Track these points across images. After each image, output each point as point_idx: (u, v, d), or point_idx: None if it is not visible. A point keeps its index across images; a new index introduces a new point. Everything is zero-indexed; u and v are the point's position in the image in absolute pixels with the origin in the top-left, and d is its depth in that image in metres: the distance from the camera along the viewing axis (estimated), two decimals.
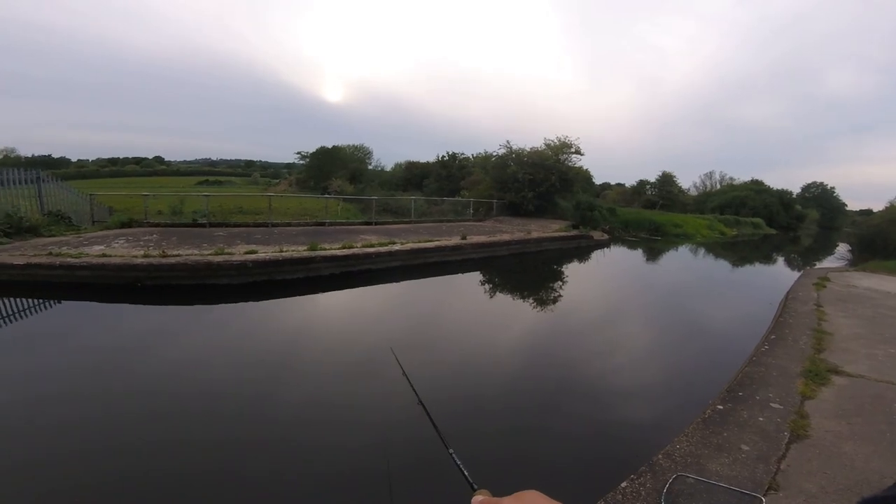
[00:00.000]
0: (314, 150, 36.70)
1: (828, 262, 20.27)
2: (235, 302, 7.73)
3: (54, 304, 6.97)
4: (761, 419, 3.52)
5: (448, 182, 32.48)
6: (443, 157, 35.73)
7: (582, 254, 16.99)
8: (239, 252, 9.10)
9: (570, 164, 24.45)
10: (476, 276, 11.68)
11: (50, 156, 70.48)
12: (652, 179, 51.21)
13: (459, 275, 11.66)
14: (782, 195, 50.12)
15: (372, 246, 11.20)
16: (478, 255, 13.55)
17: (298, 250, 9.74)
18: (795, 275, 13.20)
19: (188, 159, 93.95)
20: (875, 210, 46.32)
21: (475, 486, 0.68)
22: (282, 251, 9.49)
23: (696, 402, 4.33)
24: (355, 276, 9.85)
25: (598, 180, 52.32)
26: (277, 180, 50.09)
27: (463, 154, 35.85)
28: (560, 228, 19.37)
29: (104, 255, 8.20)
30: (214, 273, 8.24)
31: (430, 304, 8.73)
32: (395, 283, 9.97)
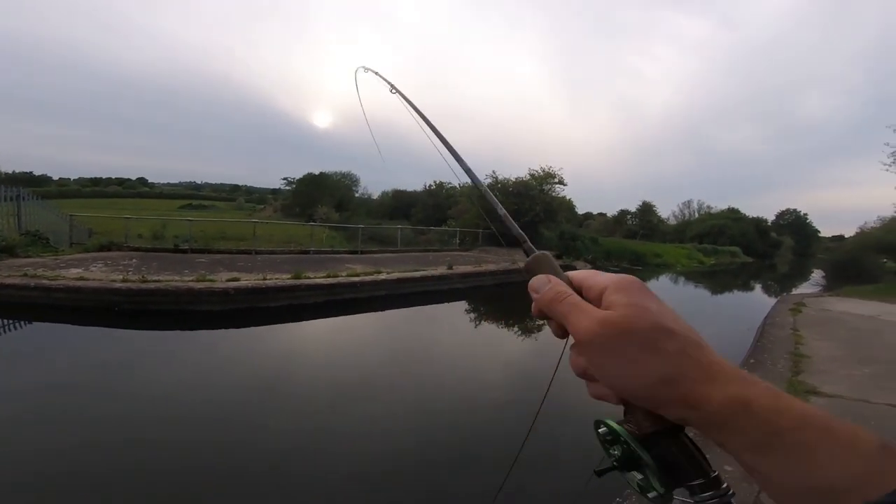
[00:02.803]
0: (301, 177, 36.85)
1: (803, 289, 20.89)
2: (216, 329, 7.64)
3: (25, 324, 6.80)
4: None
5: (435, 211, 32.83)
6: (430, 185, 36.27)
7: None
8: (221, 279, 8.99)
9: (553, 194, 25.06)
10: (461, 306, 11.69)
11: (31, 173, 68.62)
12: (632, 209, 52.75)
13: (445, 304, 11.65)
14: (758, 223, 51.87)
15: (357, 275, 11.16)
16: (464, 285, 13.59)
17: (282, 278, 9.64)
18: (772, 301, 13.55)
19: (172, 182, 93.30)
20: (846, 235, 48.26)
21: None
22: (265, 279, 9.39)
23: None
24: (340, 305, 9.76)
25: (581, 209, 53.34)
26: (262, 206, 49.86)
27: (450, 183, 36.42)
28: None
29: (81, 279, 8.02)
30: (196, 299, 8.14)
31: (414, 334, 8.68)
32: (379, 313, 9.90)
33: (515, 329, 9.33)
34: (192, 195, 70.03)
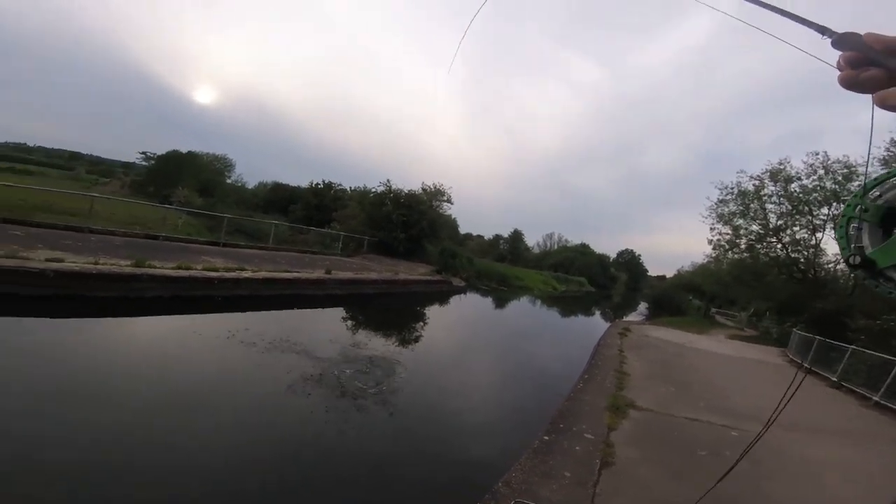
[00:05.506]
0: (163, 153, 31.69)
1: (632, 317, 25.28)
2: (22, 315, 6.32)
3: None
4: (578, 448, 4.05)
5: (318, 211, 31.15)
6: (317, 184, 34.40)
7: (443, 297, 17.83)
8: (39, 257, 7.19)
9: (441, 210, 25.98)
10: (336, 313, 11.21)
11: None
12: (505, 235, 57.73)
13: (319, 310, 11.05)
14: (602, 259, 61.30)
15: (216, 270, 9.90)
16: (342, 292, 13.07)
17: (120, 264, 8.06)
18: (607, 325, 16.02)
19: None
20: (668, 276, 59.87)
21: None
22: (97, 263, 7.73)
23: (532, 433, 4.77)
24: (189, 302, 8.52)
25: (462, 229, 56.35)
26: (108, 179, 41.45)
27: (340, 185, 35.03)
28: (425, 272, 20.08)
29: None
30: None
31: (276, 340, 7.97)
32: (239, 314, 8.90)
33: (389, 341, 9.25)
34: (18, 158, 54.33)
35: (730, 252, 21.14)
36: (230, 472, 3.43)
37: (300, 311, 10.56)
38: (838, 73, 0.55)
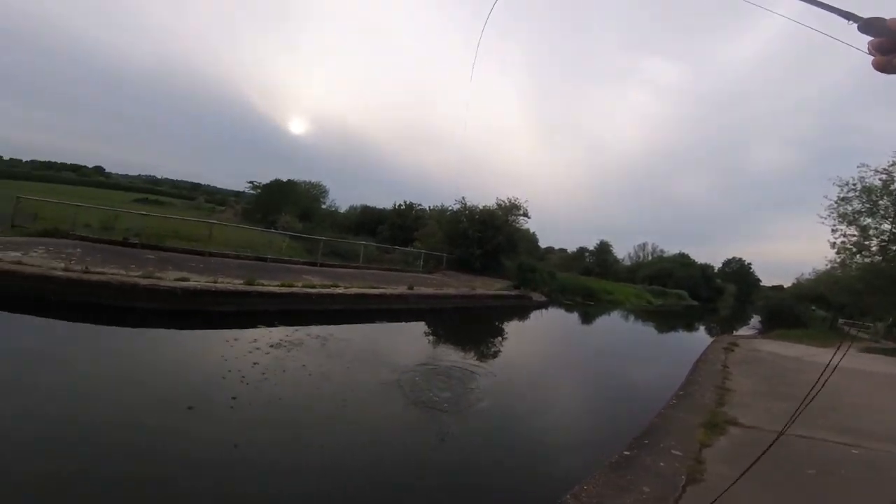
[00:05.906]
0: (268, 182, 36.04)
1: (742, 331, 22.43)
2: (156, 327, 7.44)
3: None
4: (662, 464, 3.78)
5: (402, 231, 32.82)
6: (400, 205, 36.36)
7: (521, 313, 17.57)
8: (169, 278, 8.67)
9: (517, 225, 25.77)
10: (417, 326, 11.70)
11: None
12: (591, 247, 54.87)
13: (402, 323, 11.62)
14: (705, 269, 54.99)
15: (313, 287, 10.98)
16: (423, 306, 13.63)
17: (234, 283, 9.36)
18: (709, 340, 14.43)
19: (130, 173, 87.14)
20: (785, 286, 51.81)
21: None
22: (216, 282, 9.09)
23: (611, 449, 4.55)
24: (292, 315, 9.54)
25: (543, 243, 54.74)
26: (223, 207, 48.01)
27: (420, 205, 36.66)
28: (502, 287, 20.00)
29: (19, 263, 7.67)
30: (139, 296, 7.87)
31: (362, 349, 8.55)
32: (333, 326, 9.73)
33: (466, 352, 9.40)
34: (150, 189, 65.85)
35: (858, 256, 17.96)
36: (313, 471, 3.80)
37: (386, 324, 11.22)
38: (871, 58, 0.58)
